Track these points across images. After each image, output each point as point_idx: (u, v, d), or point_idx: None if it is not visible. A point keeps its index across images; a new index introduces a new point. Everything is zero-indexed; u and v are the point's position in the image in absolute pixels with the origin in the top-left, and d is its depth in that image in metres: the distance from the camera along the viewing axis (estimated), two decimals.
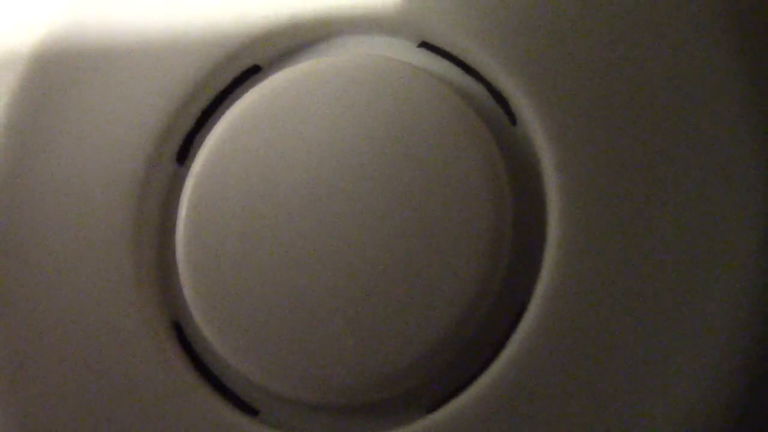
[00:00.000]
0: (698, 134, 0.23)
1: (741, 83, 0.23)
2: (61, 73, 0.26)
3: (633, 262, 0.22)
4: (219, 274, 0.24)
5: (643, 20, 0.23)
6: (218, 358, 0.25)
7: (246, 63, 0.26)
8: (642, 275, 0.22)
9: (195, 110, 0.26)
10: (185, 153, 0.26)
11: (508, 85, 0.24)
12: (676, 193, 0.22)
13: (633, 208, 0.23)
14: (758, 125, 0.23)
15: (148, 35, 0.26)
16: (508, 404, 0.22)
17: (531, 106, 0.23)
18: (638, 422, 0.22)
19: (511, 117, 0.24)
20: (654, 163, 0.23)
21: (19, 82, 0.26)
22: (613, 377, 0.22)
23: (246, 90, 0.25)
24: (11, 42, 0.27)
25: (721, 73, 0.23)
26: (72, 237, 0.25)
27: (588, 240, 0.23)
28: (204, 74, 0.26)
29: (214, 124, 0.25)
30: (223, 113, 0.25)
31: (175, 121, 0.26)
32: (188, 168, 0.25)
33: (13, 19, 0.27)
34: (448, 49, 0.25)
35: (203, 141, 0.25)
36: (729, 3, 0.23)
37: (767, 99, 0.23)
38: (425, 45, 0.25)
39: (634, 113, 0.23)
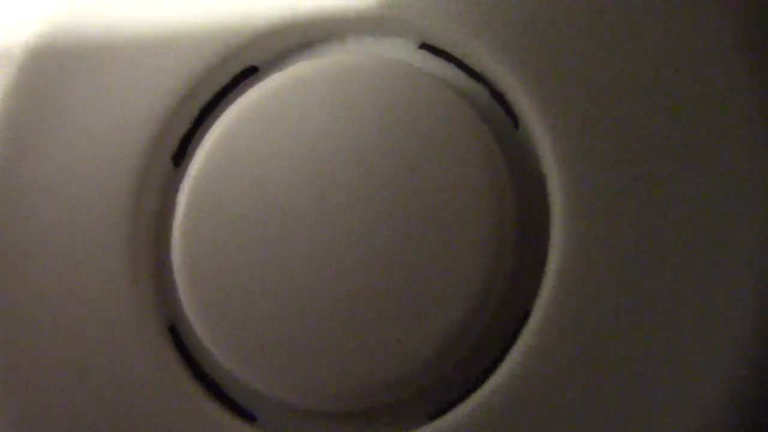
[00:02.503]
0: (705, 139, 0.22)
1: (750, 85, 0.23)
2: (56, 72, 0.26)
3: (637, 265, 0.22)
4: (216, 277, 0.24)
5: (649, 21, 0.23)
6: (215, 363, 0.24)
7: (243, 64, 0.26)
8: (647, 278, 0.22)
9: (191, 112, 0.26)
10: (181, 155, 0.26)
11: (510, 87, 0.24)
12: (681, 196, 0.22)
13: (637, 211, 0.22)
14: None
15: (144, 35, 0.26)
16: (511, 412, 0.22)
17: (533, 109, 0.23)
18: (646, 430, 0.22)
19: (514, 119, 0.24)
20: (658, 166, 0.22)
21: (13, 79, 0.26)
22: (619, 384, 0.22)
23: (243, 91, 0.25)
24: (5, 39, 0.26)
25: (731, 76, 0.23)
26: (67, 239, 0.25)
27: (591, 243, 0.22)
28: (200, 75, 0.25)
29: (210, 126, 0.25)
30: (219, 115, 0.25)
31: (171, 123, 0.25)
32: (184, 170, 0.25)
33: (7, 16, 0.27)
34: (449, 50, 0.24)
35: (199, 143, 0.25)
36: (740, 5, 0.23)
37: None
38: (426, 46, 0.25)
39: (639, 116, 0.23)
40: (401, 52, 0.25)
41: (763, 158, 0.22)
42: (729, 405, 0.22)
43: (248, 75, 0.26)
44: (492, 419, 0.22)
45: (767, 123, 0.22)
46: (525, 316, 0.23)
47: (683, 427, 0.22)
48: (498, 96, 0.24)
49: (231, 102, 0.25)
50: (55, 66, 0.26)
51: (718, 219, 0.22)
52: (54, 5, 0.26)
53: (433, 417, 0.23)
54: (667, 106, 0.23)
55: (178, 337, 0.25)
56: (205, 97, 0.26)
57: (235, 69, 0.26)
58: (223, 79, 0.26)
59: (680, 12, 0.23)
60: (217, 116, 0.25)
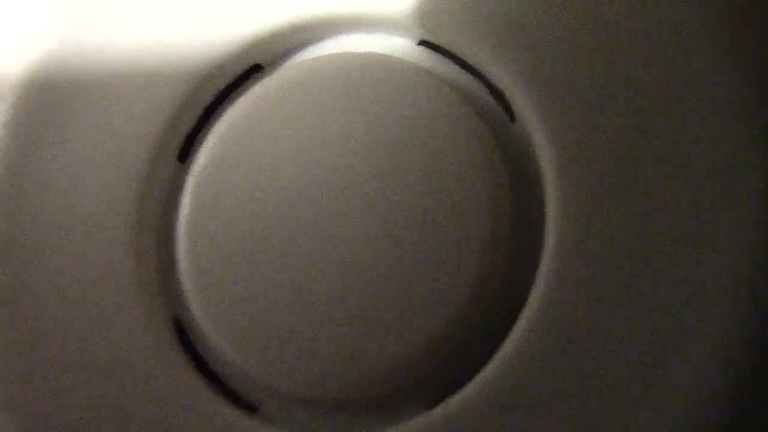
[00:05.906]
0: (697, 133, 0.23)
1: (740, 84, 0.23)
2: (65, 80, 0.26)
3: (631, 258, 0.23)
4: (219, 271, 0.25)
5: (642, 17, 0.23)
6: (217, 355, 0.25)
7: (247, 62, 0.26)
8: (639, 272, 0.22)
9: (196, 110, 0.26)
10: (187, 152, 0.26)
11: (506, 82, 0.24)
12: (675, 191, 0.23)
13: (631, 205, 0.23)
14: (756, 125, 0.23)
15: (149, 36, 0.26)
16: (507, 399, 0.23)
17: (528, 103, 0.24)
18: (635, 417, 0.22)
19: (509, 113, 0.24)
20: (652, 159, 0.23)
21: (25, 83, 0.27)
22: (612, 373, 0.22)
23: (247, 89, 0.26)
24: (19, 50, 0.27)
25: (720, 73, 0.23)
26: (75, 234, 0.26)
27: (586, 236, 0.23)
28: (205, 74, 0.26)
29: (215, 123, 0.26)
30: (224, 112, 0.26)
31: (177, 120, 0.26)
32: (189, 166, 0.26)
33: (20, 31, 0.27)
34: (447, 47, 0.25)
35: (204, 140, 0.26)
36: (728, 5, 0.23)
37: (765, 99, 0.23)
38: (425, 43, 0.25)
39: (633, 110, 0.23)
40: (401, 49, 0.25)
41: (756, 158, 0.23)
42: (724, 394, 0.22)
43: (252, 73, 0.26)
44: (488, 407, 0.23)
45: (762, 121, 0.23)
46: (519, 307, 0.23)
47: (677, 409, 0.22)
48: (494, 90, 0.25)
49: (235, 99, 0.26)
50: (64, 75, 0.26)
51: (713, 217, 0.22)
52: (59, 19, 0.27)
53: (430, 407, 0.23)
54: (661, 100, 0.23)
55: (182, 329, 0.25)
56: (210, 95, 0.26)
57: (240, 68, 0.26)
58: (227, 78, 0.26)
59: (671, 15, 0.23)
60: (221, 114, 0.26)
